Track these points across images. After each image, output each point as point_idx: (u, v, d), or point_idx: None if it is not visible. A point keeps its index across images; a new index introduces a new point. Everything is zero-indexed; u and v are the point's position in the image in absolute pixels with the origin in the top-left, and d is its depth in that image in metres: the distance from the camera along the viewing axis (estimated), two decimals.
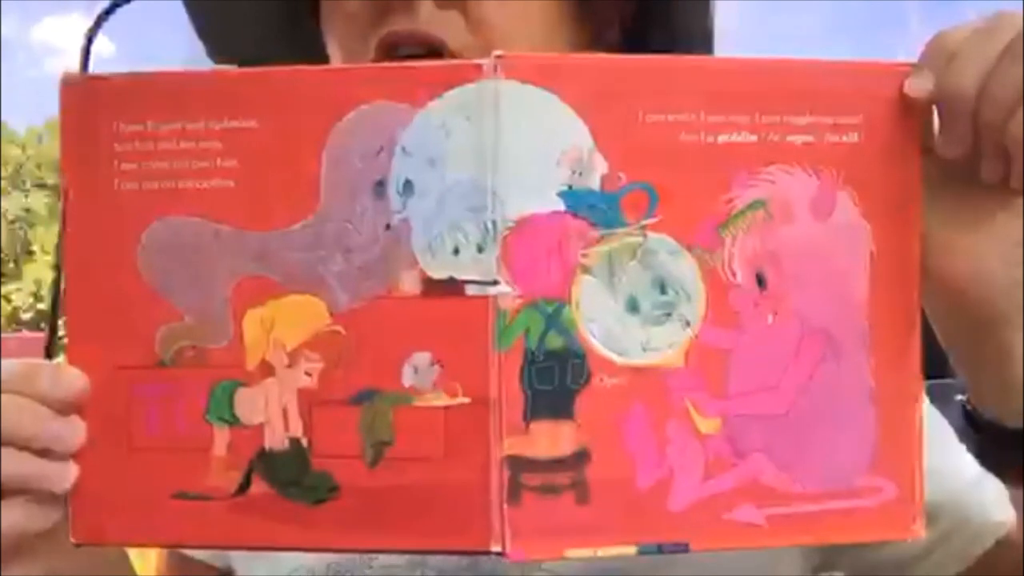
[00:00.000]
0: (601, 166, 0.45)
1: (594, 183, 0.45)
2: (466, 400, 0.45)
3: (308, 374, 0.45)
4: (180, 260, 0.45)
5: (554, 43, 0.62)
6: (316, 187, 0.45)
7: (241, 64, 0.68)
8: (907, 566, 0.60)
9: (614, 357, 0.45)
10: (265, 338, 0.45)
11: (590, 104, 0.45)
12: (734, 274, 0.46)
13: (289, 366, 0.45)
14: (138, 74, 0.46)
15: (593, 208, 0.45)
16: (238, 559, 0.63)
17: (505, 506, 0.44)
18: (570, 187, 0.45)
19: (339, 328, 0.45)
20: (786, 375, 0.47)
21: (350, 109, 0.45)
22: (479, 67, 0.45)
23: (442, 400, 0.45)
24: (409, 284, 0.45)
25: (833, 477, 0.47)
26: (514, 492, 0.44)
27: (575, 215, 0.45)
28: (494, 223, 0.44)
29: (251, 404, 0.45)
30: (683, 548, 0.45)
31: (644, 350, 0.45)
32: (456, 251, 0.45)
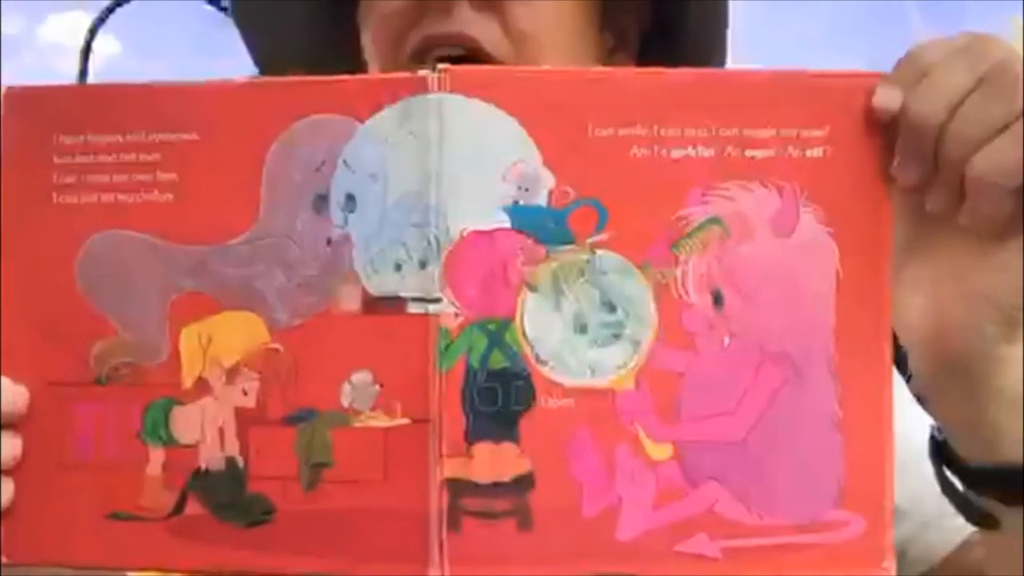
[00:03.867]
0: (548, 181, 0.45)
1: (541, 199, 0.45)
2: (406, 421, 0.45)
3: (245, 393, 0.45)
4: (118, 275, 0.46)
5: (580, 49, 0.66)
6: (256, 201, 0.46)
7: (285, 70, 0.72)
8: None
9: (560, 378, 0.46)
10: (202, 355, 0.46)
11: (537, 118, 0.45)
12: (688, 294, 0.46)
13: (226, 384, 0.45)
14: (79, 87, 0.47)
15: (540, 224, 0.45)
16: None
17: (444, 531, 0.44)
18: (516, 203, 0.45)
19: (277, 346, 0.46)
20: (743, 400, 0.46)
21: (291, 122, 0.45)
22: (423, 80, 0.45)
23: (382, 421, 0.45)
24: (349, 301, 0.46)
25: (796, 509, 0.47)
26: (454, 517, 0.45)
27: (521, 231, 0.46)
28: (437, 239, 0.45)
29: (187, 423, 0.46)
30: None
31: (592, 372, 0.46)
32: (398, 267, 0.45)
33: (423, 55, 0.63)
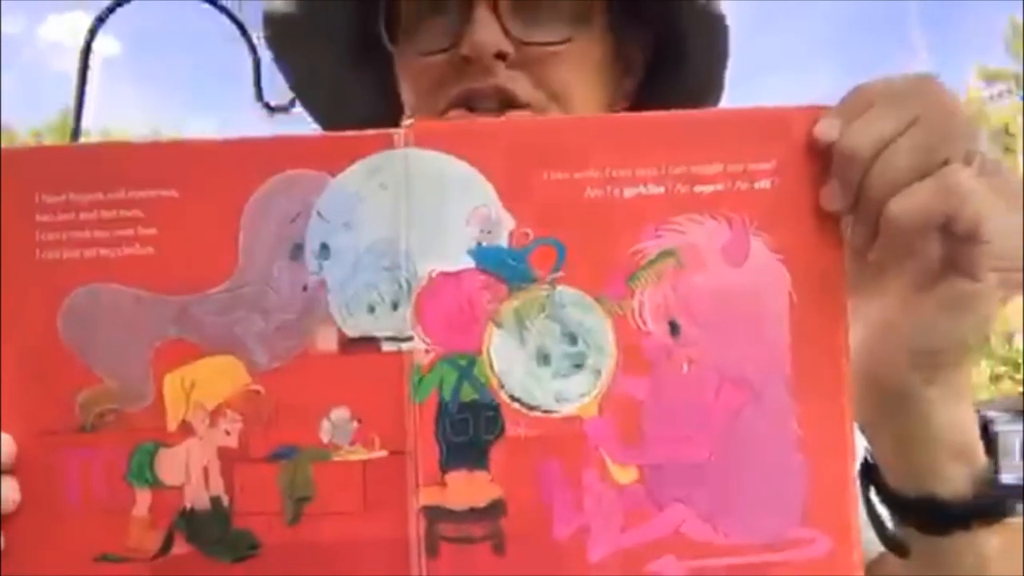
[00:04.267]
0: (508, 223, 0.48)
1: (502, 240, 0.48)
2: (383, 453, 0.48)
3: (228, 433, 0.48)
4: (101, 326, 0.49)
5: (598, 90, 0.72)
6: (234, 253, 0.48)
7: (324, 115, 0.82)
8: None
9: (527, 408, 0.48)
10: (185, 399, 0.48)
11: (495, 166, 0.49)
12: (645, 323, 0.49)
13: (210, 426, 0.47)
14: (61, 147, 0.50)
15: (502, 264, 0.48)
16: None
17: (423, 558, 0.46)
18: (479, 244, 0.48)
19: (258, 387, 0.48)
20: (704, 424, 0.49)
21: (267, 178, 0.48)
22: (390, 137, 0.49)
23: (360, 454, 0.47)
24: (326, 342, 0.48)
25: (761, 528, 0.49)
26: (432, 543, 0.47)
27: (485, 271, 0.48)
28: (407, 281, 0.48)
29: (172, 465, 0.48)
30: None
31: (557, 401, 0.48)
32: (371, 309, 0.48)
33: (461, 105, 0.68)
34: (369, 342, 0.49)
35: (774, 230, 0.50)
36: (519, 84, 0.68)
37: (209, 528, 0.48)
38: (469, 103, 0.68)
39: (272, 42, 0.78)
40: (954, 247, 0.49)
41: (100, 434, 0.49)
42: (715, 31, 0.73)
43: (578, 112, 0.70)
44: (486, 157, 0.50)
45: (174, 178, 0.50)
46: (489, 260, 0.49)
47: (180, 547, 0.48)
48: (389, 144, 0.50)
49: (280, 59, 0.79)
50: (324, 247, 0.50)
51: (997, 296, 0.50)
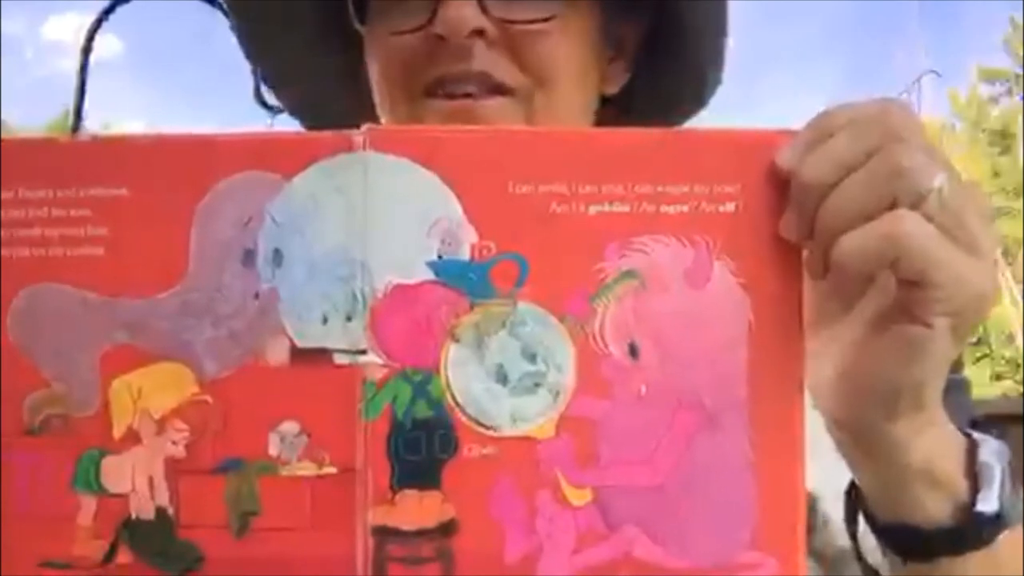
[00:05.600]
0: (471, 236, 0.47)
1: (464, 253, 0.47)
2: (333, 470, 0.47)
3: (175, 443, 0.47)
4: (48, 328, 0.48)
5: (586, 72, 0.70)
6: (185, 256, 0.47)
7: (290, 101, 0.79)
8: None
9: (482, 427, 0.47)
10: (132, 406, 0.47)
11: (459, 176, 0.47)
12: (606, 344, 0.48)
13: (156, 434, 0.47)
14: (10, 140, 0.48)
15: (462, 278, 0.47)
16: None
17: None
18: (440, 257, 0.47)
19: (206, 397, 0.47)
20: (660, 447, 0.49)
21: (219, 179, 0.47)
22: (348, 139, 0.47)
23: (309, 470, 0.47)
24: (277, 353, 0.47)
25: (711, 551, 0.50)
26: (380, 563, 0.47)
27: (445, 285, 0.47)
28: (363, 292, 0.47)
29: (118, 473, 0.47)
30: None
31: (513, 420, 0.48)
32: (324, 320, 0.47)
33: (435, 92, 0.66)
34: (321, 354, 0.48)
35: (737, 254, 0.49)
36: (499, 66, 0.66)
37: (153, 538, 0.48)
38: (445, 89, 0.66)
39: (235, 24, 0.75)
40: (903, 291, 0.48)
41: (46, 438, 0.48)
42: (713, 5, 0.71)
43: (565, 94, 0.68)
44: (451, 166, 0.48)
45: (125, 176, 0.49)
46: (449, 273, 0.48)
47: (124, 556, 0.48)
48: (348, 147, 0.48)
49: (243, 41, 0.76)
50: (277, 253, 0.48)
51: (949, 340, 0.49)
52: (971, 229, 0.46)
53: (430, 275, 0.48)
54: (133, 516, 0.48)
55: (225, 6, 0.74)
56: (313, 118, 0.81)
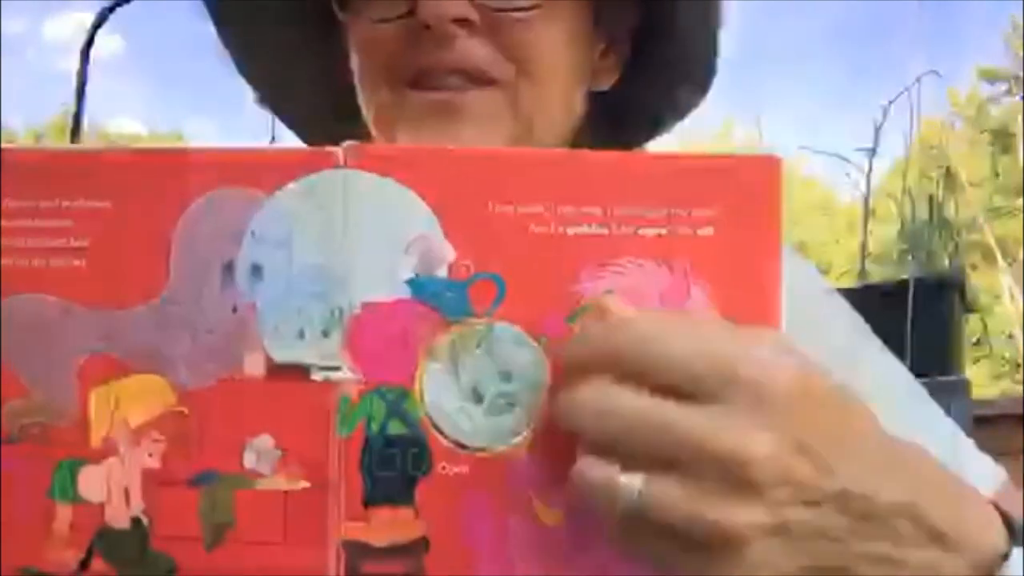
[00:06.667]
0: (449, 255, 0.48)
1: (442, 271, 0.48)
2: (307, 485, 0.47)
3: (151, 454, 0.47)
4: (29, 337, 0.48)
5: (577, 62, 0.68)
6: (166, 269, 0.48)
7: (269, 95, 0.77)
8: None
9: (456, 446, 0.47)
10: (110, 416, 0.48)
11: (439, 194, 0.48)
12: None
13: (133, 445, 0.47)
14: None
15: (439, 296, 0.48)
16: None
17: None
18: (417, 275, 0.47)
19: (183, 408, 0.47)
20: None
21: (201, 193, 0.48)
22: (330, 156, 0.48)
23: (283, 484, 0.47)
24: (254, 367, 0.48)
25: None
26: None
27: (422, 302, 0.48)
28: (340, 309, 0.47)
29: (94, 482, 0.48)
30: None
31: (488, 439, 0.48)
32: (301, 335, 0.48)
33: (419, 83, 0.65)
34: (297, 369, 0.49)
35: (713, 278, 0.50)
36: (483, 55, 0.64)
37: (127, 548, 0.48)
38: (428, 80, 0.65)
39: (212, 15, 0.73)
40: None
41: (24, 447, 0.49)
42: None
43: (552, 86, 0.67)
44: (431, 184, 0.49)
45: (108, 189, 0.49)
46: (426, 291, 0.49)
47: (99, 565, 0.49)
48: (329, 163, 0.49)
49: (221, 33, 0.74)
50: (256, 268, 0.49)
51: None
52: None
53: (407, 293, 0.49)
54: (108, 525, 0.49)
55: None
56: (294, 111, 0.80)
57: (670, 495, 0.43)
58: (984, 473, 0.64)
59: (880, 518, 0.44)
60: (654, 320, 0.46)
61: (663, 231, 0.49)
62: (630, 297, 0.49)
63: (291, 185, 0.49)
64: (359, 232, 0.48)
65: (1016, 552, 0.46)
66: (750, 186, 0.50)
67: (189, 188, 0.49)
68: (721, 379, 0.43)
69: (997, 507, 0.48)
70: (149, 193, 0.49)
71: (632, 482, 0.43)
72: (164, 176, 0.49)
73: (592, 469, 0.44)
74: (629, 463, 0.44)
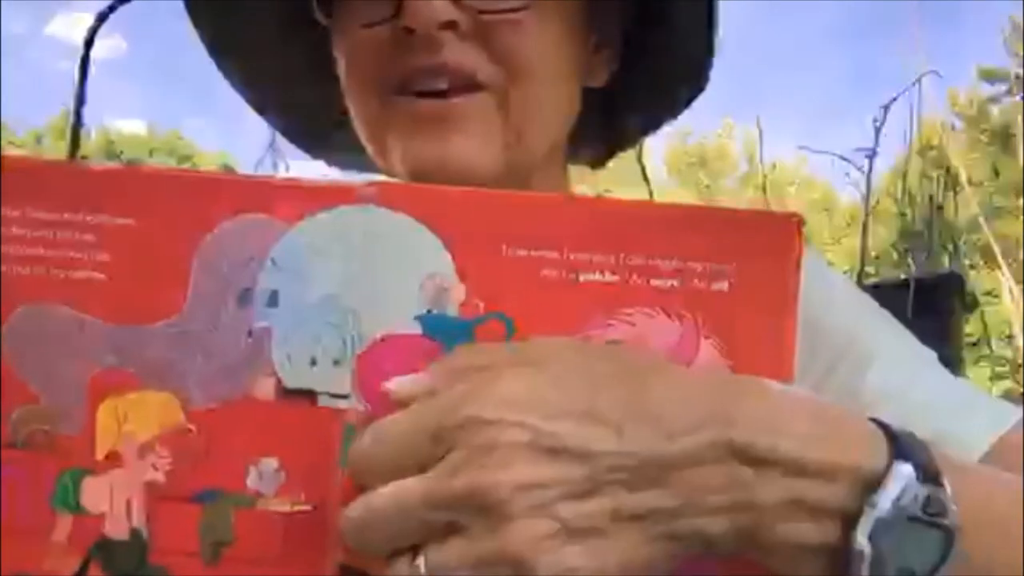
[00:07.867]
0: (460, 294, 0.49)
1: (452, 309, 0.49)
2: (307, 507, 0.48)
3: (156, 468, 0.48)
4: (43, 346, 0.49)
5: (568, 63, 0.68)
6: (184, 288, 0.49)
7: (252, 97, 0.76)
8: None
9: None
10: (117, 429, 0.49)
11: (456, 235, 0.49)
12: None
13: (138, 459, 0.48)
14: (23, 159, 0.50)
15: (448, 333, 0.49)
16: None
17: None
18: (428, 311, 0.48)
19: (191, 426, 0.48)
20: None
21: (225, 218, 0.49)
22: (352, 191, 0.49)
23: (283, 506, 0.48)
24: (264, 390, 0.49)
25: None
26: None
27: (431, 338, 0.49)
28: (351, 339, 0.48)
29: (97, 493, 0.49)
30: None
31: None
32: (313, 363, 0.49)
33: (406, 88, 0.64)
34: (307, 395, 0.50)
35: (726, 335, 0.50)
36: (471, 58, 0.63)
37: (125, 560, 0.49)
38: (416, 86, 0.64)
39: (195, 19, 0.73)
40: None
41: (29, 453, 0.50)
42: None
43: (543, 89, 0.66)
44: (448, 224, 0.50)
45: (133, 206, 0.50)
46: (436, 328, 0.50)
47: (95, 575, 0.49)
48: (351, 198, 0.50)
49: (204, 37, 0.73)
50: (274, 295, 0.50)
51: None
52: None
53: (417, 328, 0.50)
54: (107, 536, 0.50)
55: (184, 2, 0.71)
56: (280, 116, 0.80)
57: (452, 552, 0.44)
58: (1000, 411, 0.64)
59: (702, 466, 0.44)
60: (373, 426, 0.47)
61: (676, 283, 0.50)
62: (638, 347, 0.50)
63: (314, 216, 0.50)
64: (375, 267, 0.50)
65: (899, 465, 0.45)
66: (768, 244, 0.50)
67: (213, 212, 0.50)
68: (435, 436, 0.45)
69: (882, 424, 0.47)
70: (173, 213, 0.50)
71: (417, 565, 0.44)
72: (189, 198, 0.50)
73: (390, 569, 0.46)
74: (406, 548, 0.45)
